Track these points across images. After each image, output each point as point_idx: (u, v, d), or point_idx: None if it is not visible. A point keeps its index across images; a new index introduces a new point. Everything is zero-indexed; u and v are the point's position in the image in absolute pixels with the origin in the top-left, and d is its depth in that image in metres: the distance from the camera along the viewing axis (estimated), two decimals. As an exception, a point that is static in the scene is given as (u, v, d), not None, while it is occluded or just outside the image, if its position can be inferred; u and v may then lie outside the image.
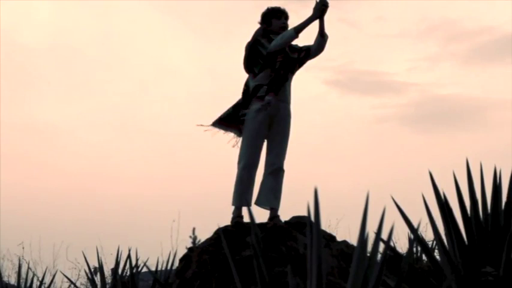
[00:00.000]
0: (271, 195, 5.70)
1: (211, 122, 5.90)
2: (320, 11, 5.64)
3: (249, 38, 5.88)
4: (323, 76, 17.92)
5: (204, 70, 16.80)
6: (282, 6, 5.91)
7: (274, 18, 5.83)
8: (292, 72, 5.82)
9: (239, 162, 5.70)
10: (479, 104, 17.58)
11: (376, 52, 17.41)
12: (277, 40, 5.69)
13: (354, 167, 15.61)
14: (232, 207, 5.67)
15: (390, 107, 17.76)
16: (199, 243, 5.56)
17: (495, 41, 17.26)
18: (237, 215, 5.65)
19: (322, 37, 5.76)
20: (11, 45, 15.70)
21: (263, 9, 5.91)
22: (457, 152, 14.75)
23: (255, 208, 5.71)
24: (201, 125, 5.90)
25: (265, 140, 5.80)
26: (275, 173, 5.73)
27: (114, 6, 16.71)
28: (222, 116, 5.89)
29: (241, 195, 5.64)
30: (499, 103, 17.44)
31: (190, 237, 5.31)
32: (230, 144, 5.87)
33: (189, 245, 5.62)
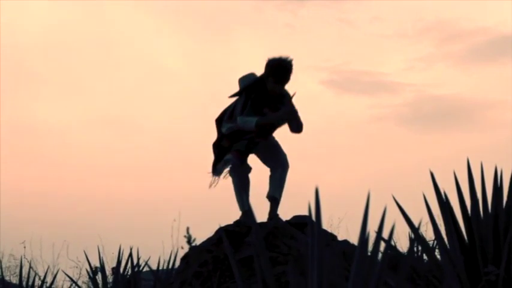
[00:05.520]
0: (278, 186, 5.75)
1: (214, 174, 5.84)
2: (286, 119, 5.61)
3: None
4: (319, 76, 17.92)
5: (199, 70, 16.80)
6: (291, 60, 5.57)
7: (274, 79, 5.57)
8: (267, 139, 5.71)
9: (287, 165, 5.76)
10: (475, 104, 17.62)
11: (371, 52, 17.43)
12: (236, 124, 5.57)
13: (351, 166, 15.64)
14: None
15: (386, 107, 17.79)
16: (198, 242, 5.56)
17: (491, 42, 17.29)
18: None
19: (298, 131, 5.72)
20: (7, 44, 15.69)
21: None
22: (453, 152, 14.77)
23: (255, 208, 5.73)
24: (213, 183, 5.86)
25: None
26: (282, 167, 5.77)
27: (110, 6, 16.71)
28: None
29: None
30: (495, 103, 17.49)
31: (185, 236, 5.31)
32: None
33: (185, 245, 5.63)
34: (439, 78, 17.61)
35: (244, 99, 5.61)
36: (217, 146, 5.77)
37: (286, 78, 5.58)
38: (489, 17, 17.73)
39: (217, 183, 5.79)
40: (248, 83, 5.67)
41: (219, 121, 5.78)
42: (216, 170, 5.74)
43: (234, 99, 5.78)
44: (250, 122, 5.50)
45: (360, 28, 17.00)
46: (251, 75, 5.76)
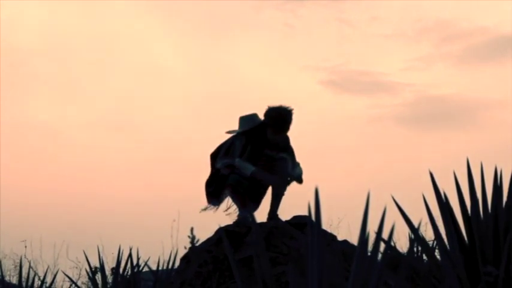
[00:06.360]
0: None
1: (209, 203, 5.87)
2: (276, 185, 5.76)
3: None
4: (318, 76, 17.94)
5: (199, 70, 16.81)
6: (290, 110, 5.67)
7: (273, 130, 5.68)
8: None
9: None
10: (474, 104, 17.63)
11: (371, 52, 17.43)
12: (233, 162, 5.66)
13: (350, 166, 15.66)
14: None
15: (385, 107, 17.81)
16: (199, 243, 5.57)
17: (490, 42, 17.31)
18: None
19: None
20: (6, 44, 15.71)
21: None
22: (451, 152, 14.80)
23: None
24: (205, 209, 5.88)
25: None
26: None
27: (110, 6, 16.72)
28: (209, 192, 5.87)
29: None
30: (494, 103, 17.51)
31: (189, 236, 5.32)
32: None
33: (188, 244, 5.65)
34: (438, 78, 17.63)
35: (244, 142, 5.65)
36: (211, 182, 5.81)
37: (286, 129, 5.70)
38: (488, 17, 17.75)
39: (215, 209, 5.86)
40: (249, 127, 5.70)
41: (214, 156, 5.81)
42: (216, 199, 5.81)
43: (230, 134, 5.85)
44: (247, 169, 5.61)
45: (359, 28, 17.02)
46: (253, 117, 5.81)
